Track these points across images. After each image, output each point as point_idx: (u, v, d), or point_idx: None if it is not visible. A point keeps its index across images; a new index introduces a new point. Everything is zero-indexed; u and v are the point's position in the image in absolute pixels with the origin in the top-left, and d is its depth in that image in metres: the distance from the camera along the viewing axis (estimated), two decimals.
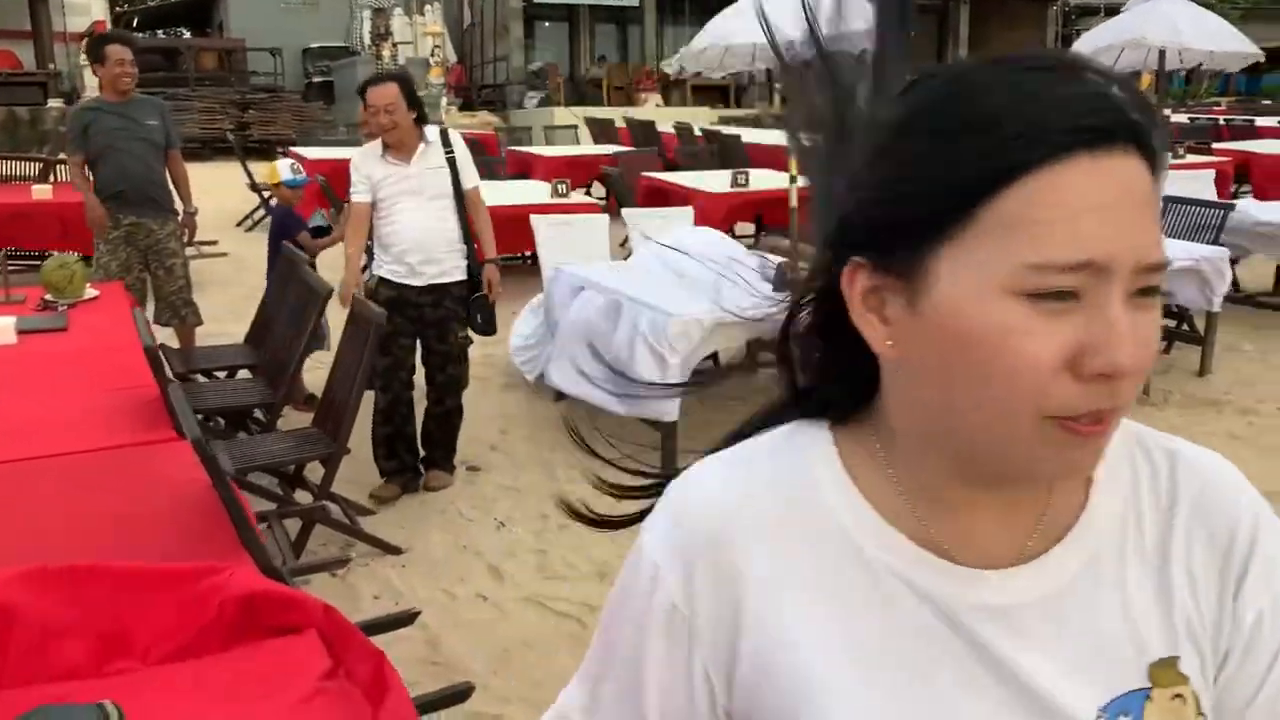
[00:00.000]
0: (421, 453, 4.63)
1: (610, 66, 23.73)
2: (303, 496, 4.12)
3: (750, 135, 13.58)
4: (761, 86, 22.34)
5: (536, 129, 15.89)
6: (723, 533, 0.73)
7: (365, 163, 4.34)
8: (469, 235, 4.48)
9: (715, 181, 9.49)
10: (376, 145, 4.35)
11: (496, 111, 21.01)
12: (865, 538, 0.72)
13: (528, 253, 8.05)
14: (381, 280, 4.40)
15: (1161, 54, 5.51)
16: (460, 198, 4.40)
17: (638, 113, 18.28)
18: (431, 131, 4.39)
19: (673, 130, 14.62)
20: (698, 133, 14.38)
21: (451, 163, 4.36)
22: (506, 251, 8.94)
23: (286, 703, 1.65)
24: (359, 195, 4.33)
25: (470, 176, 4.45)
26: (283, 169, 5.73)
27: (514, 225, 7.08)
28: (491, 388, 6.03)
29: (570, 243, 6.32)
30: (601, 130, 15.73)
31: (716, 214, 8.93)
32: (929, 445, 0.70)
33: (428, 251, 4.34)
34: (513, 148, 13.54)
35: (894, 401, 0.72)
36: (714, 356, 5.99)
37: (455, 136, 4.50)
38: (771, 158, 10.57)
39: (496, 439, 5.23)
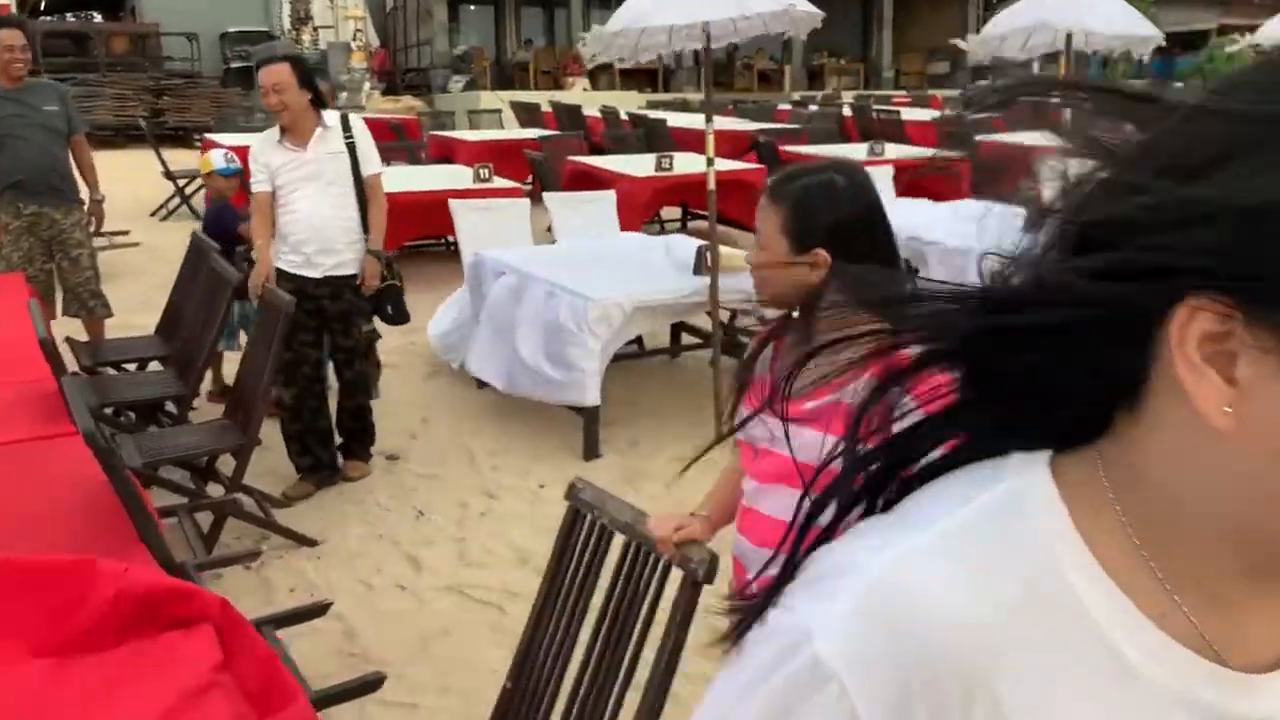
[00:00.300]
0: (339, 440, 4.57)
1: (537, 50, 23.56)
2: (219, 490, 4.05)
3: (676, 119, 13.61)
4: (689, 70, 22.38)
5: (460, 113, 15.74)
6: (953, 645, 0.56)
7: (263, 150, 4.23)
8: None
9: (640, 165, 9.49)
10: (274, 131, 4.23)
11: (421, 96, 20.76)
12: (1127, 641, 0.57)
13: (450, 238, 7.97)
14: (279, 272, 4.26)
15: (1069, 37, 5.63)
16: (360, 185, 4.27)
17: (565, 97, 18.19)
18: (331, 116, 4.26)
19: (599, 114, 14.60)
20: (624, 116, 14.37)
21: (351, 148, 4.24)
22: (429, 236, 8.94)
23: (173, 697, 1.62)
24: (259, 185, 4.23)
25: (371, 163, 4.30)
26: (215, 159, 5.58)
27: (435, 210, 7.02)
28: (413, 375, 5.97)
29: (492, 228, 6.27)
30: (527, 114, 15.64)
31: (640, 198, 8.94)
32: (1235, 533, 0.55)
33: (324, 241, 4.22)
34: (435, 132, 13.39)
35: (1186, 470, 0.56)
36: (638, 340, 6.02)
37: (356, 121, 4.36)
38: (697, 141, 10.60)
39: (417, 427, 5.18)
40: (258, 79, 4.14)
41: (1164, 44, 6.17)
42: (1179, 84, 24.09)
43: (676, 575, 1.80)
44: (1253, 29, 8.57)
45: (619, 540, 1.83)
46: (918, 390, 0.65)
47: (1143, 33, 5.92)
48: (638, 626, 1.70)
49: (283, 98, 4.06)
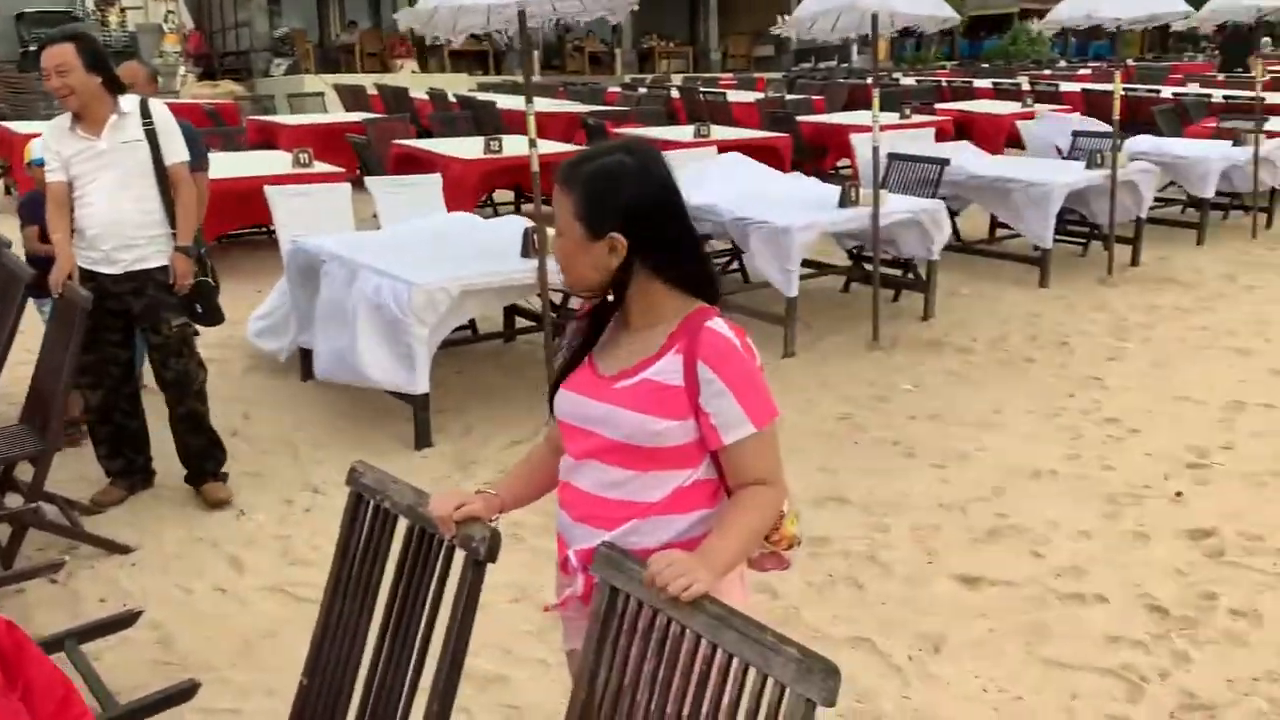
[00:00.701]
0: (187, 468, 4.31)
1: (362, 32, 22.90)
2: (18, 500, 3.80)
3: (506, 101, 13.49)
4: (520, 53, 22.20)
5: (281, 98, 15.18)
6: None
7: (55, 138, 3.93)
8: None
9: (468, 148, 9.37)
10: (67, 118, 3.93)
11: (241, 80, 19.89)
12: None
13: (271, 227, 7.68)
14: (79, 270, 3.94)
15: (874, 18, 5.85)
16: (163, 174, 3.98)
17: (392, 79, 17.76)
18: (128, 101, 3.96)
19: (427, 97, 14.33)
20: (452, 99, 14.15)
21: (151, 135, 3.95)
22: (249, 225, 8.59)
23: None
24: (53, 174, 3.92)
25: (174, 151, 4.00)
26: (35, 148, 5.15)
27: (254, 198, 6.75)
28: (232, 370, 5.74)
29: (312, 214, 6.07)
30: (353, 98, 15.21)
31: (470, 181, 8.84)
32: None
33: (123, 237, 3.92)
34: (255, 117, 12.88)
35: None
36: (471, 325, 5.95)
37: (157, 106, 4.06)
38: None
39: (238, 424, 4.99)
40: (40, 61, 3.85)
41: (956, 23, 6.53)
42: (985, 64, 25.34)
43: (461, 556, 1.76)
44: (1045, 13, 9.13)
45: (403, 524, 1.79)
46: None
47: (942, 14, 6.24)
48: (425, 611, 1.67)
49: (67, 80, 3.77)
